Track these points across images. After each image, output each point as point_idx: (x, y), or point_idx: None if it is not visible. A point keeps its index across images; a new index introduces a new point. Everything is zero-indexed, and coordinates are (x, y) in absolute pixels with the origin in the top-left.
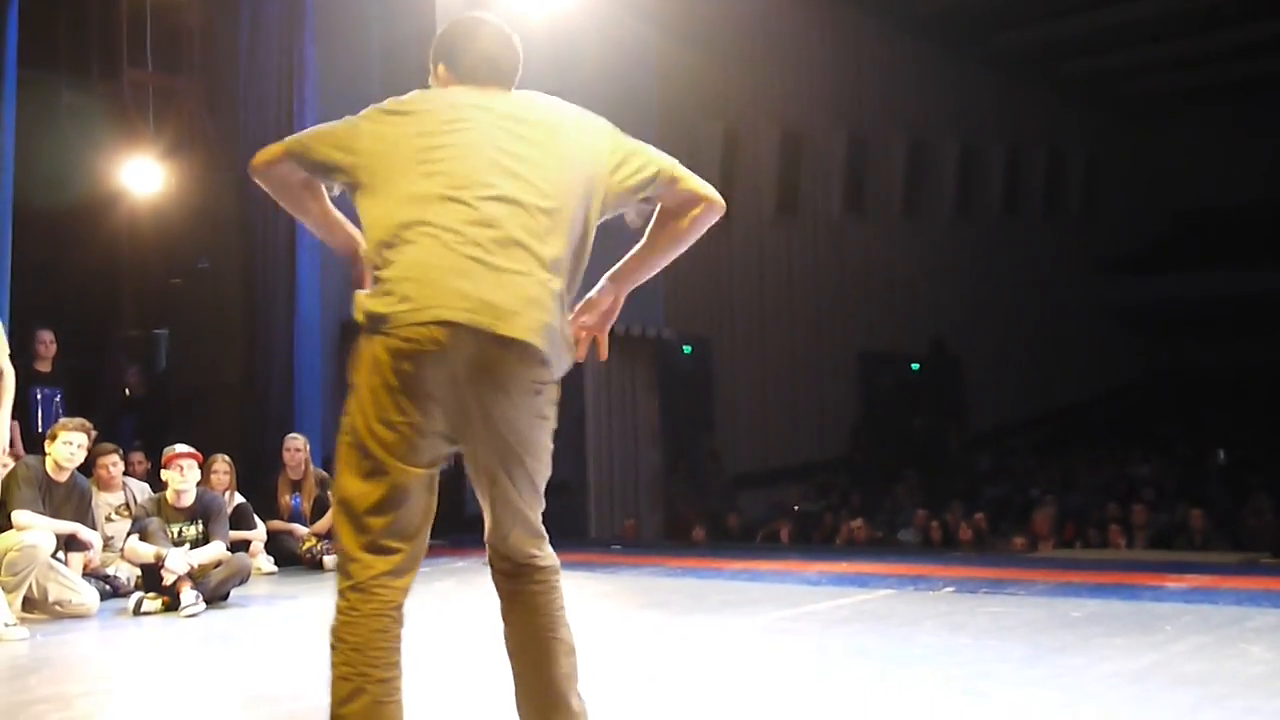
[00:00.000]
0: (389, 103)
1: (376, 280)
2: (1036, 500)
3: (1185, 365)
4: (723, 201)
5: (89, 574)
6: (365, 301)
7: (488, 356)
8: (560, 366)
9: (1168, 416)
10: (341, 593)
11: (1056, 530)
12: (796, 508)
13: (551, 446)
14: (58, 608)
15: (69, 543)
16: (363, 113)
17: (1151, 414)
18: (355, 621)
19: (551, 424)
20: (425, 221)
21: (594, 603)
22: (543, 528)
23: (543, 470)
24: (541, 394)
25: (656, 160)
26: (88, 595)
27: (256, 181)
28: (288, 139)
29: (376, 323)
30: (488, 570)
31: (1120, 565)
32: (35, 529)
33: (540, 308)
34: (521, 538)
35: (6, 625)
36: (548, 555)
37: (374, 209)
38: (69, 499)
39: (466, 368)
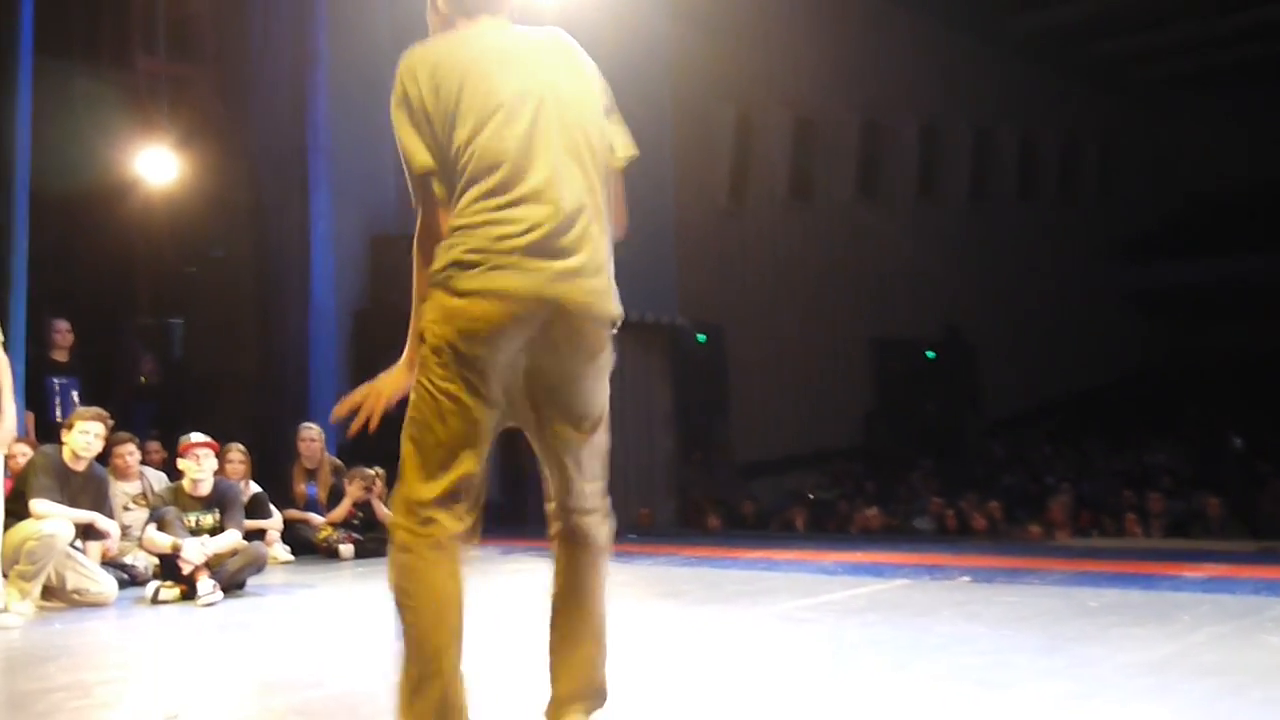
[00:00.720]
0: None
1: None
2: (1052, 488)
3: (1201, 350)
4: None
5: (107, 563)
6: None
7: None
8: None
9: (1183, 403)
10: (408, 546)
11: (1072, 519)
12: (811, 495)
13: None
14: (76, 596)
15: (87, 531)
16: None
17: (1167, 400)
18: (427, 572)
19: None
20: None
21: (610, 592)
22: None
23: None
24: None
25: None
26: (106, 584)
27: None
28: None
29: None
30: (506, 561)
31: (1137, 554)
32: (53, 518)
33: None
34: (587, 486)
35: (3, 611)
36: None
37: None
38: (86, 488)
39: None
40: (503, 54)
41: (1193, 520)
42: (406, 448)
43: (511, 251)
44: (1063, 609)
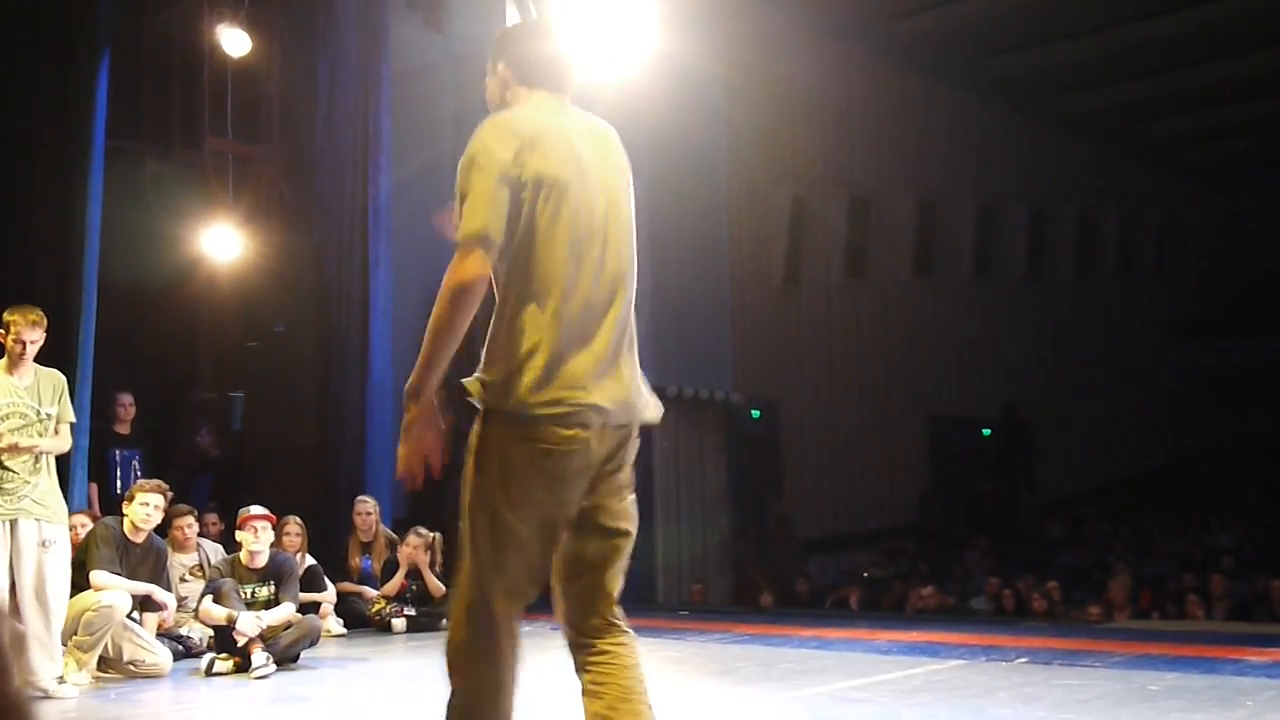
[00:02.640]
0: None
1: None
2: (1111, 569)
3: (1262, 431)
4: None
5: (163, 634)
6: None
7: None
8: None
9: (1244, 483)
10: (471, 624)
11: (1132, 600)
12: (865, 574)
13: None
14: (131, 667)
15: (144, 603)
16: None
17: (1228, 481)
18: (494, 662)
19: None
20: None
21: (661, 669)
22: None
23: None
24: None
25: None
26: (161, 655)
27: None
28: None
29: None
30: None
31: (1199, 637)
32: (112, 589)
33: None
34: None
35: (60, 682)
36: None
37: None
38: (145, 560)
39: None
40: (583, 161)
41: (1256, 603)
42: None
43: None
44: (1123, 692)
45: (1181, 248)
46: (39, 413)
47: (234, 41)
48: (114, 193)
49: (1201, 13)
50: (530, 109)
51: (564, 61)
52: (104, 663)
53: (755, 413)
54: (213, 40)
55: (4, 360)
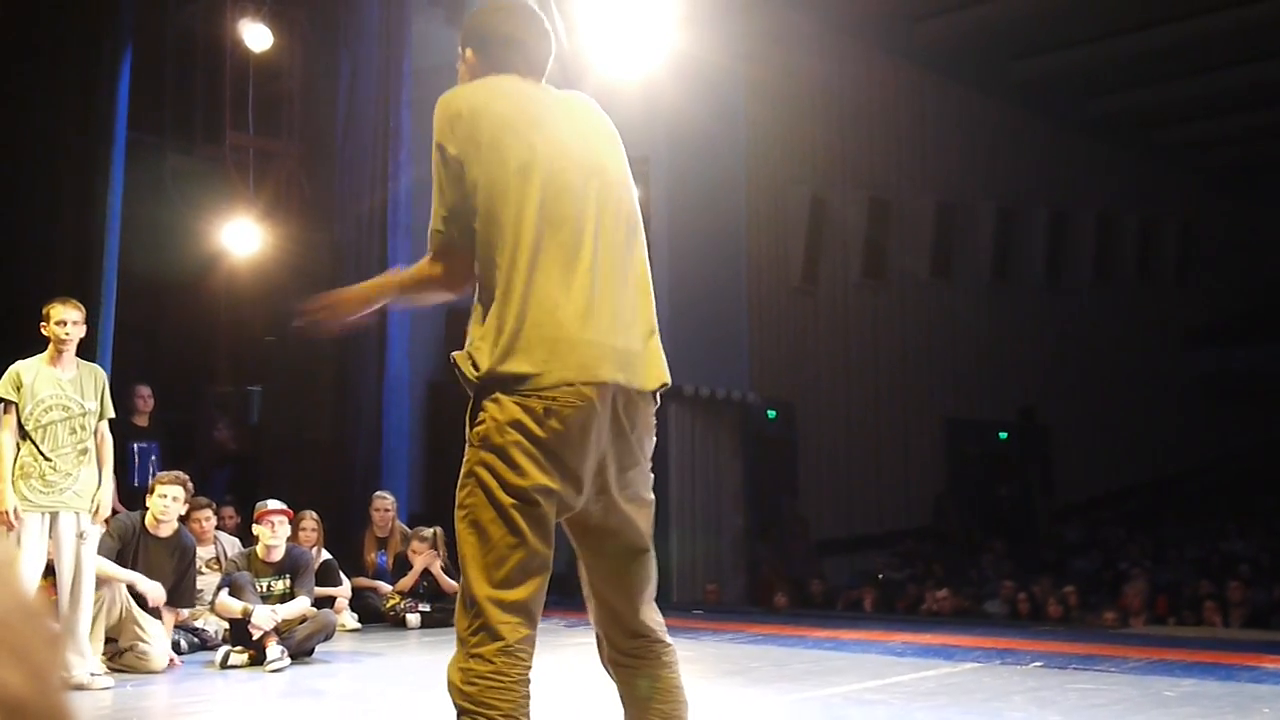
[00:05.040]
0: None
1: None
2: (1127, 574)
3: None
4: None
5: (179, 626)
6: None
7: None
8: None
9: (1264, 490)
10: (484, 656)
11: (1148, 606)
12: (880, 576)
13: None
14: (130, 654)
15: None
16: None
17: (1247, 487)
18: (507, 688)
19: None
20: None
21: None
22: None
23: None
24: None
25: None
26: (156, 648)
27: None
28: None
29: None
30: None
31: (1216, 644)
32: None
33: None
34: (652, 604)
35: (93, 675)
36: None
37: None
38: (171, 555)
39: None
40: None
41: (1273, 610)
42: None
43: None
44: (1138, 698)
45: (1201, 253)
46: (81, 406)
47: (256, 36)
48: (135, 186)
49: (1222, 17)
50: (487, 83)
51: (534, 41)
52: (116, 655)
53: (771, 413)
54: (235, 35)
55: (46, 353)
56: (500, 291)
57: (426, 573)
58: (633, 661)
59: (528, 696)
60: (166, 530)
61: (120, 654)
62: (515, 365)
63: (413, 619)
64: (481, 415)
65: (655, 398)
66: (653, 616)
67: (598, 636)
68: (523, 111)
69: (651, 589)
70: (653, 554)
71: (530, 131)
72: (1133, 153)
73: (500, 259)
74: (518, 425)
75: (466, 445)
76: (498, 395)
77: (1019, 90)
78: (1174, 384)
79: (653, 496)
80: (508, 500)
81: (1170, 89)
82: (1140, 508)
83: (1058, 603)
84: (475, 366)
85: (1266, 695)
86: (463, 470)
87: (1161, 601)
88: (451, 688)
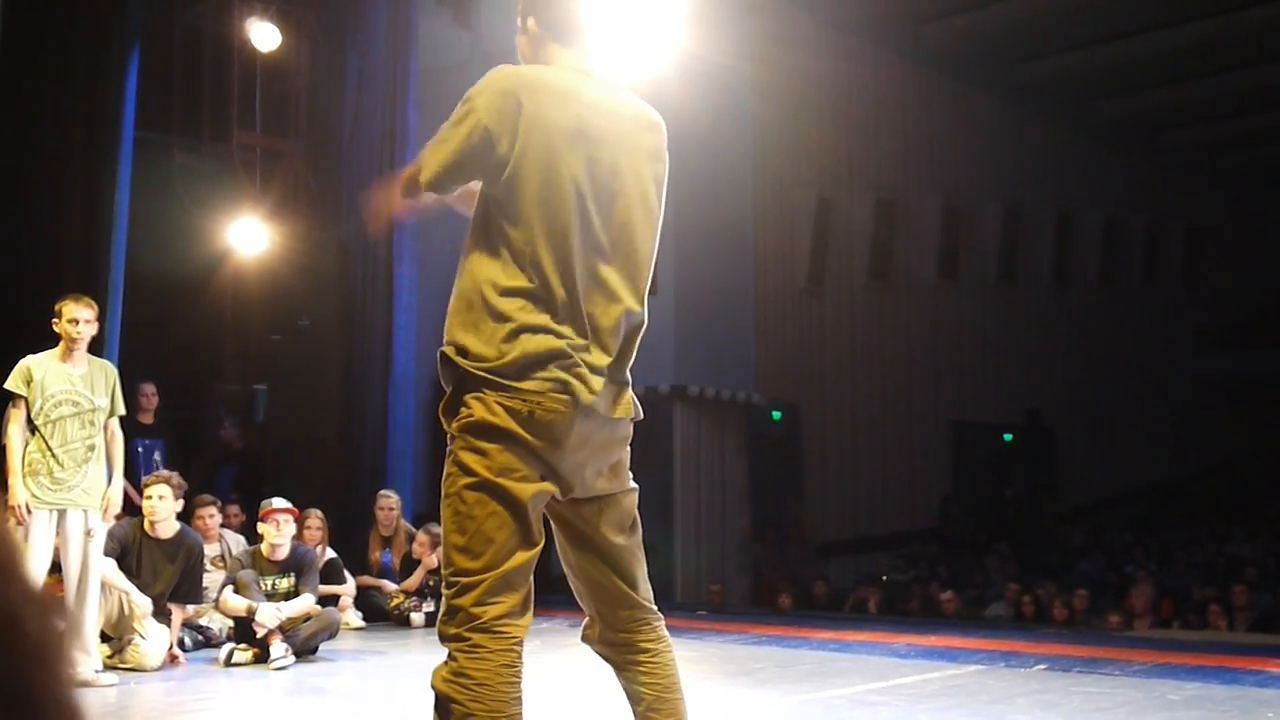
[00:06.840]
0: None
1: None
2: (1132, 577)
3: None
4: None
5: (183, 623)
6: None
7: None
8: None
9: (1270, 494)
10: (458, 635)
11: (1153, 609)
12: (885, 577)
13: None
14: (126, 651)
15: (172, 594)
16: None
17: (1253, 491)
18: (483, 658)
19: None
20: None
21: (679, 669)
22: None
23: None
24: None
25: None
26: (152, 645)
27: None
28: None
29: None
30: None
31: (1221, 648)
32: None
33: None
34: (647, 584)
35: (97, 672)
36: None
37: None
38: (172, 557)
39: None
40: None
41: (1279, 615)
42: None
43: None
44: (1143, 701)
45: (1207, 256)
46: (91, 402)
47: (264, 36)
48: (142, 184)
49: (1230, 20)
50: (545, 79)
51: (594, 16)
52: (115, 652)
53: (776, 414)
54: (243, 34)
55: (58, 349)
56: (500, 291)
57: (434, 570)
58: (629, 638)
59: (513, 665)
60: (166, 531)
61: (118, 651)
62: (502, 360)
63: (417, 618)
64: (464, 411)
65: (629, 381)
66: (646, 591)
67: (589, 619)
68: (576, 135)
69: (643, 566)
70: (639, 528)
71: (572, 156)
72: (1140, 155)
73: (519, 262)
74: (506, 414)
75: (448, 437)
76: (482, 390)
77: (1026, 92)
78: (1180, 387)
79: (635, 484)
80: (491, 482)
81: (1178, 91)
82: (1146, 511)
83: (1064, 607)
84: (464, 355)
85: (1272, 700)
86: (447, 460)
87: (1167, 605)
88: (435, 676)
